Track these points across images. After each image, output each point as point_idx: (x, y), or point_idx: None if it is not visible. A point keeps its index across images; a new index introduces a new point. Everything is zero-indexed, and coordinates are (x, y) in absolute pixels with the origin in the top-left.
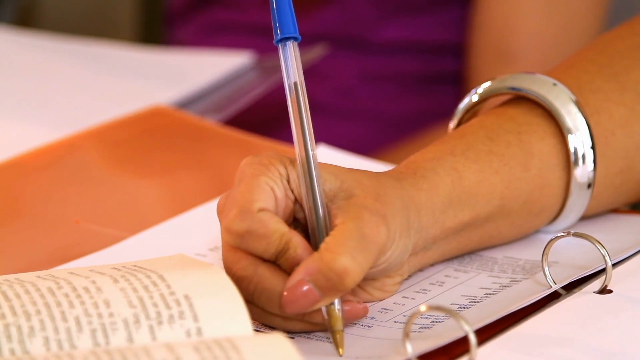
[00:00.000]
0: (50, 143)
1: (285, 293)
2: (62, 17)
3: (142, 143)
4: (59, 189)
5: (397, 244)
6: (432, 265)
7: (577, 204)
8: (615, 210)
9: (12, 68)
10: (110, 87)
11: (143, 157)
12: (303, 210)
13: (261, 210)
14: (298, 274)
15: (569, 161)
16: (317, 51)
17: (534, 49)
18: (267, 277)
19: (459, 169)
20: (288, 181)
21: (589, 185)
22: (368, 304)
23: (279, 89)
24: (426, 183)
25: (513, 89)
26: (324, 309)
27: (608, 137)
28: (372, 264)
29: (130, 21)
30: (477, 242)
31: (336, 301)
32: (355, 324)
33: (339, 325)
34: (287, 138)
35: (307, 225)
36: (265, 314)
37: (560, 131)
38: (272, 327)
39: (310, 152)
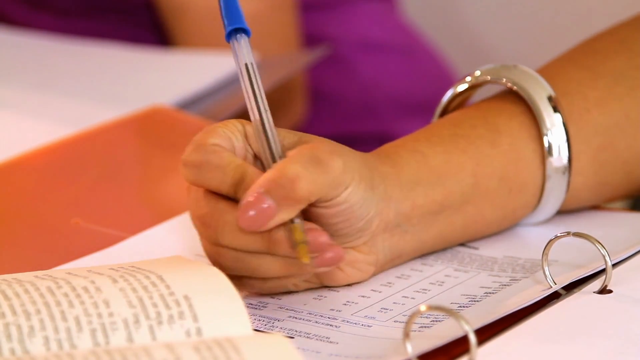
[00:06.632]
0: (51, 143)
1: (240, 210)
2: None
3: (142, 143)
4: (59, 189)
5: (356, 185)
6: (413, 258)
7: (557, 186)
8: (614, 210)
9: (12, 68)
10: (111, 88)
11: (143, 158)
12: (262, 163)
13: (215, 145)
14: (252, 189)
15: (541, 134)
16: (318, 52)
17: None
18: (227, 210)
19: (423, 151)
20: (246, 136)
21: (564, 172)
22: (368, 297)
23: (280, 88)
24: (390, 162)
25: (487, 80)
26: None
27: (583, 114)
28: (326, 185)
29: None
30: (461, 228)
31: (297, 220)
32: (356, 324)
33: (302, 237)
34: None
35: None
36: (237, 256)
37: (529, 110)
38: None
39: (264, 110)
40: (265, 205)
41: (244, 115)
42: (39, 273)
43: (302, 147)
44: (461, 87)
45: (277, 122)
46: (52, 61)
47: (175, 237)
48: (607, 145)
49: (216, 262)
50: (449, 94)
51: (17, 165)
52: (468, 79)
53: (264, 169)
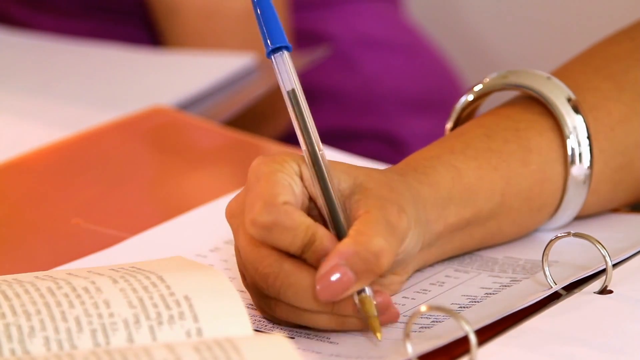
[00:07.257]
0: (51, 143)
1: (318, 280)
2: None
3: (142, 144)
4: (59, 189)
5: (413, 232)
6: (432, 264)
7: (574, 200)
8: (615, 210)
9: (12, 68)
10: (111, 88)
11: (143, 158)
12: (318, 208)
13: (285, 203)
14: (332, 260)
15: (564, 137)
16: (319, 53)
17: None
18: (294, 271)
19: (458, 166)
20: (302, 178)
21: (585, 182)
22: None
23: (279, 89)
24: (427, 179)
25: (509, 85)
26: (356, 298)
27: (607, 133)
28: (398, 249)
29: None
30: (479, 240)
31: (367, 289)
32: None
33: (373, 310)
34: (286, 135)
35: (321, 222)
36: (293, 310)
37: (558, 126)
38: (298, 326)
39: (318, 152)
40: (343, 277)
41: (243, 114)
42: (40, 273)
43: (372, 210)
44: (474, 95)
45: (277, 124)
46: (52, 62)
47: (175, 237)
48: (625, 165)
49: (267, 312)
50: (462, 101)
51: (18, 166)
52: (479, 87)
53: (320, 214)
